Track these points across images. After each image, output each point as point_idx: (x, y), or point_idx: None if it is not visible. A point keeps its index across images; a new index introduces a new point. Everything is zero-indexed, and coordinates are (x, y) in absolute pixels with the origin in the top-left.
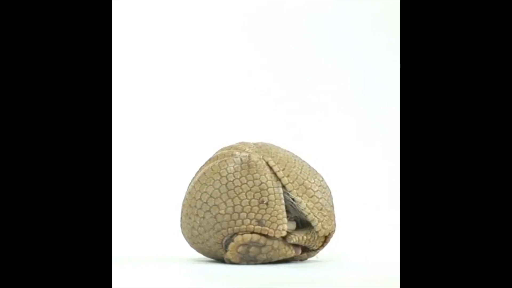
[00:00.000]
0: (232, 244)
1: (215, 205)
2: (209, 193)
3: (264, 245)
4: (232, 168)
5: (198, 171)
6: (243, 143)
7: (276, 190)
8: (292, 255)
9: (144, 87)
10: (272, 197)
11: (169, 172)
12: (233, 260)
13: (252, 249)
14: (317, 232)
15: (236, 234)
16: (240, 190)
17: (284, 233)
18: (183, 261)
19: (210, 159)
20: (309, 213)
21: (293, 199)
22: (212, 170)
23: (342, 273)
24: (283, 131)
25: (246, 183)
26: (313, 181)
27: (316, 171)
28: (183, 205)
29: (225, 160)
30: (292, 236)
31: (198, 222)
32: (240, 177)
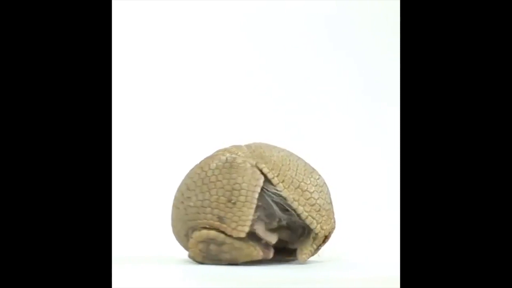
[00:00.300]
0: (191, 240)
1: (188, 197)
2: (187, 185)
3: (223, 243)
4: (214, 165)
5: None
6: (236, 147)
7: (249, 193)
8: (260, 257)
9: (144, 87)
10: (242, 198)
11: (169, 172)
12: (196, 258)
13: (212, 246)
14: (316, 234)
15: (195, 229)
16: (213, 186)
17: (242, 235)
18: (183, 262)
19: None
20: (306, 217)
21: (289, 205)
22: (198, 165)
23: (342, 273)
24: (283, 131)
25: (221, 181)
26: (309, 181)
27: (312, 168)
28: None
29: (213, 157)
30: (304, 254)
31: (175, 212)
32: (218, 174)
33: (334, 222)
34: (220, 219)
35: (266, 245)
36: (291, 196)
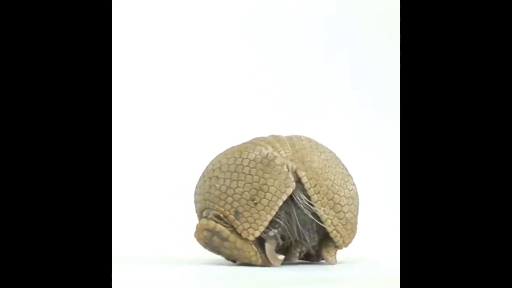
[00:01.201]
0: (199, 224)
1: (217, 176)
2: (221, 164)
3: (226, 240)
4: (253, 156)
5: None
6: (280, 141)
7: (274, 199)
8: (258, 263)
9: (144, 87)
10: (265, 201)
11: (170, 173)
12: (198, 241)
13: (215, 238)
14: (337, 246)
15: (210, 212)
16: (243, 178)
17: (251, 238)
18: (183, 262)
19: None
20: (332, 231)
21: (316, 214)
22: (239, 148)
23: (342, 273)
24: (283, 131)
25: (253, 176)
26: (342, 193)
27: (349, 176)
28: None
29: (255, 146)
30: (332, 256)
31: (201, 183)
32: (252, 168)
33: (355, 234)
34: (237, 214)
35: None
36: (322, 209)
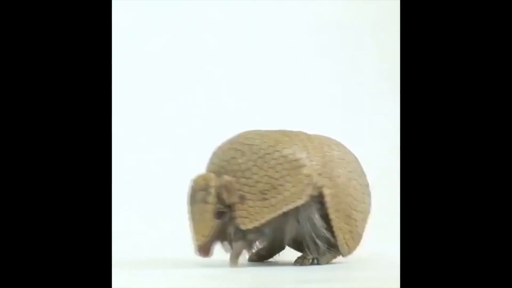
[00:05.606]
0: (206, 174)
1: (243, 152)
2: (254, 143)
3: (205, 202)
4: (286, 152)
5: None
6: (316, 149)
7: (281, 203)
8: (196, 244)
9: (144, 87)
10: (273, 201)
11: (169, 175)
12: (189, 187)
13: (200, 193)
14: (341, 254)
15: (219, 176)
16: (266, 168)
17: (243, 228)
18: (183, 264)
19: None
20: (342, 244)
21: (329, 227)
22: (278, 136)
23: (342, 273)
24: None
25: (275, 171)
26: (359, 208)
27: (367, 187)
28: None
29: (292, 144)
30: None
31: (226, 145)
32: (278, 164)
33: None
34: (242, 198)
35: (210, 245)
36: (338, 225)
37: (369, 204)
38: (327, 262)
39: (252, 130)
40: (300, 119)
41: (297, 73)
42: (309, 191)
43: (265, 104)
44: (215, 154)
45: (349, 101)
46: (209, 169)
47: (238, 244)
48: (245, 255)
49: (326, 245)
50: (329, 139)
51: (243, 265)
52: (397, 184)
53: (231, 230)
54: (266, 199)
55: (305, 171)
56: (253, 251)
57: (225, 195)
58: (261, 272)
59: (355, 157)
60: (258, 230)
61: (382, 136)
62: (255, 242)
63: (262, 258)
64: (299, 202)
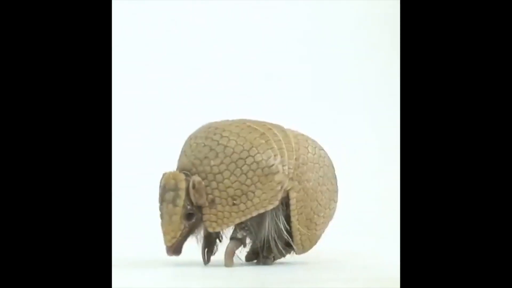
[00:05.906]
0: (174, 171)
1: (217, 153)
2: (228, 144)
3: (174, 204)
4: (259, 158)
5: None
6: (289, 152)
7: (251, 209)
8: (166, 245)
9: (144, 87)
10: (242, 207)
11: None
12: (160, 187)
13: (171, 193)
14: (295, 253)
15: (191, 175)
16: (238, 174)
17: (210, 230)
18: (183, 264)
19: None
20: (297, 245)
21: (288, 228)
22: (253, 139)
23: (342, 273)
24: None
25: (247, 178)
26: (322, 213)
27: (335, 193)
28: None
29: (267, 149)
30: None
31: (199, 140)
32: (250, 170)
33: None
34: (212, 202)
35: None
36: (297, 227)
37: (334, 209)
38: (279, 258)
39: (233, 121)
40: (300, 119)
41: (297, 73)
42: (279, 196)
43: (265, 104)
44: (189, 145)
45: (349, 101)
46: (181, 162)
47: (229, 244)
48: (242, 255)
49: (283, 244)
50: (307, 139)
51: (241, 265)
52: (397, 184)
53: (200, 229)
54: (235, 204)
55: (277, 178)
56: (246, 249)
57: (194, 197)
58: (260, 272)
59: (330, 161)
60: (239, 229)
61: (382, 136)
62: (245, 238)
63: (257, 254)
64: (269, 208)
